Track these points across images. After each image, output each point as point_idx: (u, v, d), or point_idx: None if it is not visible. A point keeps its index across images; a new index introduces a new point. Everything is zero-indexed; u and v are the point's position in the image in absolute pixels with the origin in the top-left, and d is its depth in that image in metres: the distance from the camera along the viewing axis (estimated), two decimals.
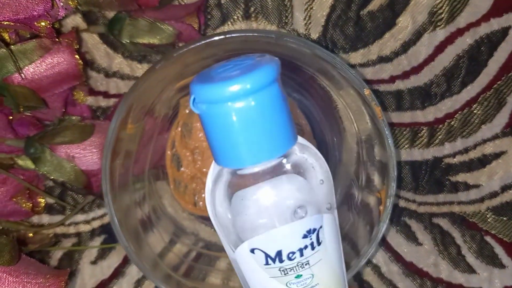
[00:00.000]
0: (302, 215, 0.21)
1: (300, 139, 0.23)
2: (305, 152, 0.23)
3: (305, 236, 0.21)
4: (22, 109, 0.33)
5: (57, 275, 0.30)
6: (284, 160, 0.22)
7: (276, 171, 0.21)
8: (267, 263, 0.21)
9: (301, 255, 0.21)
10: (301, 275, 0.21)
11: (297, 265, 0.21)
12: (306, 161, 0.22)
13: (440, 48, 0.40)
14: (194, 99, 0.20)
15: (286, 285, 0.22)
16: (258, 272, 0.22)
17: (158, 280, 0.34)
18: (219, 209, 0.22)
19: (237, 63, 0.21)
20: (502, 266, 0.41)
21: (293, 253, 0.21)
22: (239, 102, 0.19)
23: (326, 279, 0.22)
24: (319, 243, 0.21)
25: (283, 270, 0.21)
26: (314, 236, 0.21)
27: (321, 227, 0.21)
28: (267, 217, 0.21)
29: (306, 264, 0.21)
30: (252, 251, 0.21)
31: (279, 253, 0.21)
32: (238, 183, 0.22)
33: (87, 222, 0.41)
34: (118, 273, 0.41)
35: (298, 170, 0.22)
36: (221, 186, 0.22)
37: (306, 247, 0.21)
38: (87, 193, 0.36)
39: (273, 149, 0.20)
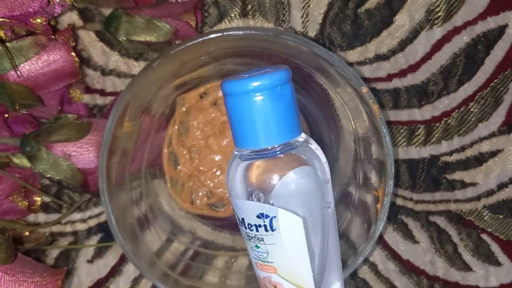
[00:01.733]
0: (256, 199, 0.26)
1: (304, 135, 0.27)
2: (306, 150, 0.27)
3: (258, 217, 0.25)
4: (18, 107, 0.32)
5: (54, 274, 0.30)
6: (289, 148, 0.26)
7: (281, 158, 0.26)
8: (240, 224, 0.26)
9: (257, 230, 0.25)
10: (259, 247, 0.26)
11: (255, 237, 0.26)
12: (305, 158, 0.26)
13: (437, 46, 0.40)
14: (223, 92, 0.26)
15: (251, 250, 0.26)
16: (240, 229, 0.27)
17: (156, 278, 0.33)
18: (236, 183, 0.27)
19: (257, 70, 0.26)
20: (498, 263, 0.41)
21: (251, 225, 0.25)
22: (258, 94, 0.24)
23: (282, 264, 0.26)
24: (272, 229, 0.25)
25: (248, 235, 0.26)
26: (267, 221, 0.25)
27: (274, 217, 0.25)
28: (244, 189, 0.26)
29: (261, 240, 0.26)
30: (233, 209, 0.26)
31: (243, 220, 0.26)
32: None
33: (84, 220, 0.41)
34: (115, 271, 0.41)
35: (296, 164, 0.26)
36: (238, 163, 0.27)
37: (260, 226, 0.25)
38: (84, 192, 0.36)
39: (280, 135, 0.25)
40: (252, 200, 0.26)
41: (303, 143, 0.27)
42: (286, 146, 0.26)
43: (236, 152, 0.27)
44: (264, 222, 0.25)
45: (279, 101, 0.25)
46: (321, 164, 0.27)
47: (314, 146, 0.27)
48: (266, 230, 0.25)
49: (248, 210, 0.25)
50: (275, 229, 0.25)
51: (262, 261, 0.26)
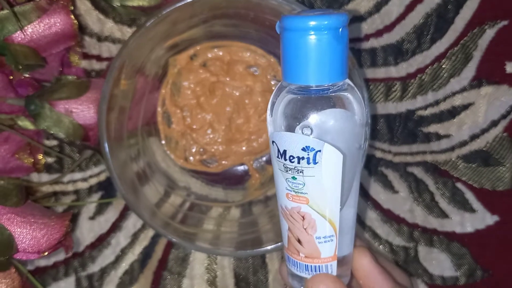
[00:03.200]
0: (307, 133, 0.27)
1: (349, 80, 0.28)
2: (353, 94, 0.28)
3: (303, 150, 0.26)
4: (21, 68, 0.35)
5: (61, 217, 0.33)
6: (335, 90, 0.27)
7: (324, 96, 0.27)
8: (277, 156, 0.27)
9: (298, 162, 0.27)
10: (296, 178, 0.27)
11: (294, 169, 0.27)
12: (350, 100, 0.28)
13: (410, 7, 0.42)
14: (282, 27, 0.26)
15: (286, 181, 0.28)
16: (274, 160, 0.28)
17: (158, 226, 0.36)
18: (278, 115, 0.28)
19: (318, 11, 0.28)
20: (472, 210, 0.44)
21: (293, 157, 0.27)
22: (317, 33, 0.26)
23: (315, 195, 0.27)
24: (315, 162, 0.26)
25: (285, 167, 0.27)
26: (311, 154, 0.26)
27: (319, 151, 0.26)
28: (287, 122, 0.27)
29: (300, 172, 0.27)
30: (272, 143, 0.28)
31: (284, 152, 0.27)
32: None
33: (85, 179, 0.43)
34: (115, 227, 0.44)
35: (341, 104, 0.27)
36: (284, 96, 0.27)
37: (303, 158, 0.26)
38: (85, 147, 0.39)
39: (330, 75, 0.26)
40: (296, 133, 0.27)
41: (349, 86, 0.28)
42: (334, 86, 0.27)
43: (283, 85, 0.28)
44: (308, 155, 0.26)
45: (335, 43, 0.26)
46: (362, 108, 0.28)
47: (358, 90, 0.28)
48: (308, 163, 0.26)
49: (294, 143, 0.26)
50: (317, 162, 0.26)
51: (296, 192, 0.27)
